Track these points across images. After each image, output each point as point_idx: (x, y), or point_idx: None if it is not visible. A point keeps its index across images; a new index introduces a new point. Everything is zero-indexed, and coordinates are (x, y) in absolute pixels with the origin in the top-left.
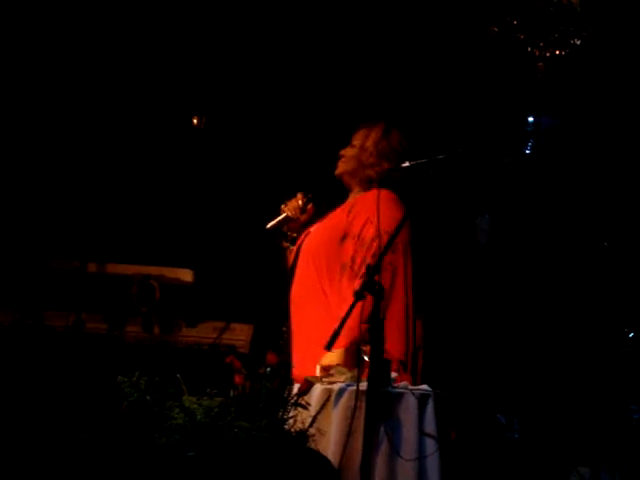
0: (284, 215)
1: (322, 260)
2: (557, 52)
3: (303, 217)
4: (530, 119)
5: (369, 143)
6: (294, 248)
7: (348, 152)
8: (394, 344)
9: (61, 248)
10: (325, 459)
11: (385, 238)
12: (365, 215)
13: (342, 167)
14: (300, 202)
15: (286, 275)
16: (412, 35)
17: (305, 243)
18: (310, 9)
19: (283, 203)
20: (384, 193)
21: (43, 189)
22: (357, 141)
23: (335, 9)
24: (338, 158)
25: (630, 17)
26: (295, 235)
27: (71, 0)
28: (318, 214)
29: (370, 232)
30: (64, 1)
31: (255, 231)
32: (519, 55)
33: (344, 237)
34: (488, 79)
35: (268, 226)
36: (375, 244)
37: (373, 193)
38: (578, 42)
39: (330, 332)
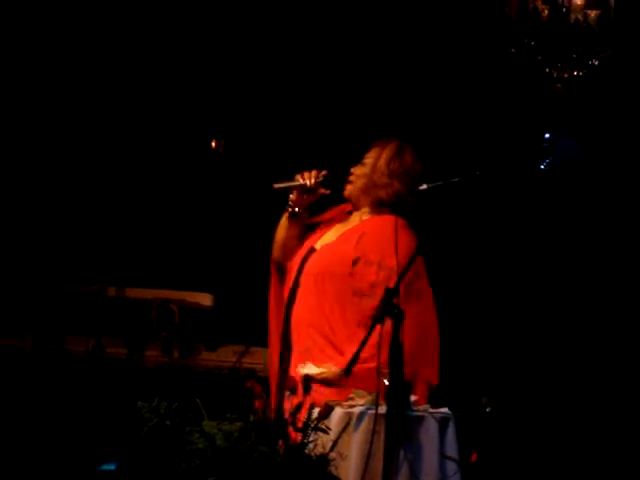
0: (298, 182)
1: (327, 283)
2: (575, 73)
3: (309, 198)
4: (547, 135)
5: (381, 162)
6: (295, 261)
7: (358, 170)
8: (434, 369)
9: (81, 273)
10: None
11: (403, 264)
12: (386, 244)
13: (352, 186)
14: (317, 176)
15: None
16: (430, 55)
17: (310, 263)
18: (332, 24)
19: (299, 172)
20: (400, 221)
21: (63, 214)
22: (369, 159)
23: (352, 28)
24: (347, 176)
25: None
26: (298, 210)
27: (89, 11)
28: (320, 208)
29: (393, 263)
30: (82, 12)
31: None
32: (537, 76)
33: (356, 262)
34: (505, 99)
35: (276, 186)
36: (414, 283)
37: (389, 220)
38: (596, 63)
39: (323, 357)
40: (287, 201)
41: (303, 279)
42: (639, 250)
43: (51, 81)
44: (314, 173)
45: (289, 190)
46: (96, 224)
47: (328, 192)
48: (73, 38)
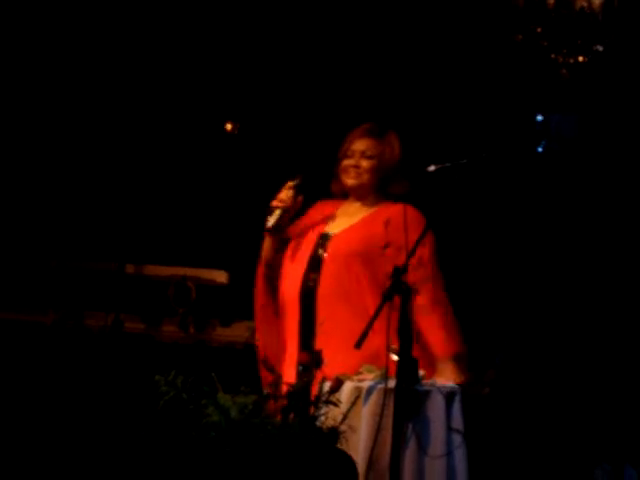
0: (281, 209)
1: (359, 264)
2: (580, 59)
3: (293, 211)
4: (539, 118)
5: (395, 156)
6: (305, 250)
7: (365, 164)
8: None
9: (100, 250)
10: (350, 459)
11: (436, 256)
12: (410, 233)
13: (358, 179)
14: (291, 191)
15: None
16: (436, 42)
17: (335, 247)
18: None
19: (274, 198)
20: (414, 210)
21: (82, 192)
22: (371, 151)
23: (352, 10)
24: (334, 168)
25: None
26: (282, 229)
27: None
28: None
29: (425, 253)
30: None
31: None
32: (543, 62)
33: (386, 246)
34: (511, 85)
35: (269, 225)
36: (432, 263)
37: (410, 210)
38: (600, 48)
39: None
40: (265, 226)
41: (330, 258)
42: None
43: (65, 64)
44: (288, 191)
45: (282, 220)
46: (115, 203)
47: (302, 198)
48: (84, 23)
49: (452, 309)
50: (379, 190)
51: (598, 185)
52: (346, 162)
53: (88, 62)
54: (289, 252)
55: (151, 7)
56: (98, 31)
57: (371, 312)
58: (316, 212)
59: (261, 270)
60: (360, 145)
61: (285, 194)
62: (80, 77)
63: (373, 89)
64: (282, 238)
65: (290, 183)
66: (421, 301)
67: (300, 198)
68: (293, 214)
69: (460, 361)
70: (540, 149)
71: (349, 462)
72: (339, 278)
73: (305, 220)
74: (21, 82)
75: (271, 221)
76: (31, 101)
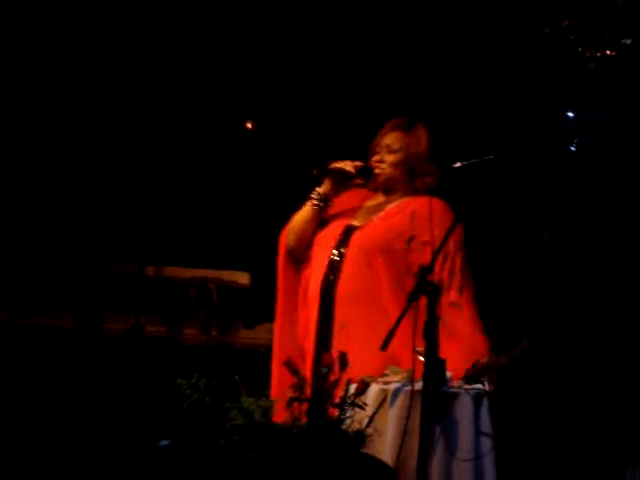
0: (340, 167)
1: (380, 262)
2: (608, 52)
3: (341, 191)
4: (570, 114)
5: (421, 148)
6: (329, 238)
7: (389, 158)
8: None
9: (120, 252)
10: (380, 462)
11: (463, 249)
12: (436, 226)
13: (384, 173)
14: (351, 165)
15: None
16: (464, 35)
17: (357, 241)
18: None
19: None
20: (442, 203)
21: (104, 195)
22: (397, 144)
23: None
24: (364, 163)
25: None
26: (328, 202)
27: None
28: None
29: (451, 246)
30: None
31: None
32: (570, 56)
33: (410, 240)
34: (539, 79)
35: (317, 170)
36: (458, 258)
37: (434, 203)
38: (628, 42)
39: (367, 329)
40: (314, 193)
41: (350, 254)
42: None
43: (83, 59)
44: (349, 162)
45: (329, 176)
46: (136, 204)
47: (363, 182)
48: (96, 18)
49: (477, 307)
50: (407, 183)
51: (629, 181)
52: (374, 158)
53: (102, 65)
54: (317, 240)
55: (165, 5)
56: (109, 30)
57: (391, 311)
58: (345, 201)
59: (282, 245)
60: (387, 139)
61: (345, 163)
62: (101, 81)
63: (402, 84)
64: (322, 215)
65: (358, 162)
66: (449, 297)
67: (359, 181)
68: (340, 189)
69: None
70: (573, 147)
71: (384, 468)
72: (360, 275)
73: (335, 208)
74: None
75: (320, 167)
76: (52, 101)
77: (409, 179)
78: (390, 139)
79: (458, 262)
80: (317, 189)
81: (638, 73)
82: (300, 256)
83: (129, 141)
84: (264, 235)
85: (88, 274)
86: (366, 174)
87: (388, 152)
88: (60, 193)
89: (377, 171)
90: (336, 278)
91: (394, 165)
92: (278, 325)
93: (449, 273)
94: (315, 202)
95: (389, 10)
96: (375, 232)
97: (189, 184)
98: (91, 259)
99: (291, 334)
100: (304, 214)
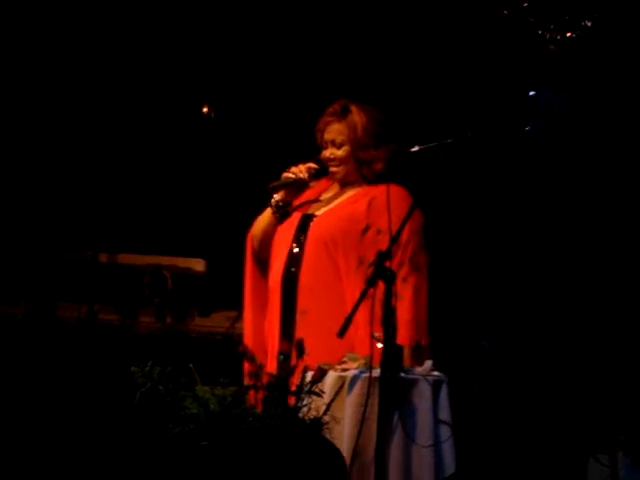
0: (294, 177)
1: (339, 249)
2: (568, 34)
3: (301, 191)
4: (531, 93)
5: (359, 134)
6: (288, 229)
7: (338, 153)
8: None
9: (73, 239)
10: (335, 448)
11: (416, 237)
12: (394, 214)
13: (340, 172)
14: (305, 169)
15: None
16: (421, 17)
17: (316, 228)
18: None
19: (287, 169)
20: (401, 190)
21: (54, 181)
22: (339, 137)
23: None
24: (320, 164)
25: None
26: (286, 208)
27: None
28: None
29: (405, 234)
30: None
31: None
32: (530, 38)
33: (365, 230)
34: (498, 61)
35: (273, 184)
36: (410, 246)
37: (395, 188)
38: (589, 24)
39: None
40: (272, 199)
41: (311, 242)
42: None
43: (43, 63)
44: (303, 167)
45: (286, 187)
46: (88, 190)
47: (318, 180)
48: (64, 16)
49: (425, 298)
50: (371, 176)
51: (587, 163)
52: (324, 153)
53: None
54: (278, 234)
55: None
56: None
57: (349, 299)
58: (308, 192)
59: (249, 248)
60: (329, 134)
61: (298, 168)
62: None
63: (357, 67)
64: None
65: (310, 164)
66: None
67: (312, 183)
68: (298, 193)
69: (417, 351)
70: (528, 128)
71: (336, 453)
72: (320, 263)
73: (298, 200)
74: None
75: (276, 182)
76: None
77: (361, 169)
78: (331, 133)
79: (409, 251)
80: (275, 196)
81: (598, 55)
82: (266, 257)
83: (83, 128)
84: (219, 221)
85: (41, 261)
86: (321, 174)
87: (335, 147)
88: (12, 181)
89: (332, 169)
90: (297, 268)
91: (345, 159)
92: (248, 319)
93: (398, 263)
94: (274, 209)
95: None
96: (333, 220)
97: (143, 170)
98: (44, 246)
99: (261, 328)
100: (265, 219)
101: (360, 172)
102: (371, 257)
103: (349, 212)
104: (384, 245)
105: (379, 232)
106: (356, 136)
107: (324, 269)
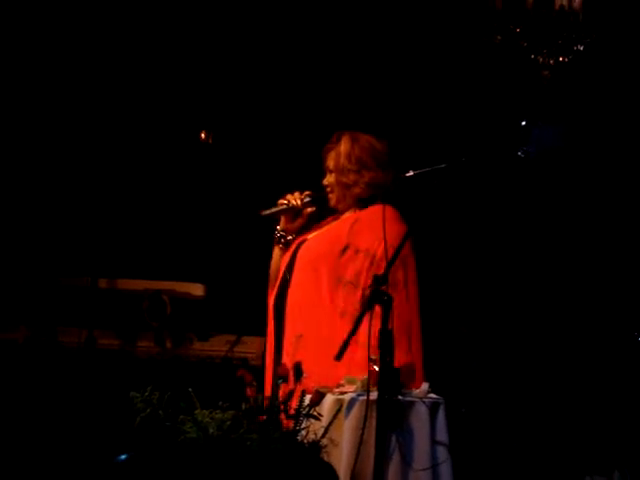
0: (284, 205)
1: (322, 270)
2: (561, 59)
3: (298, 221)
4: (523, 123)
5: (341, 160)
6: (285, 257)
7: (330, 179)
8: (408, 356)
9: (72, 265)
10: (333, 471)
11: (391, 252)
12: (373, 232)
13: (332, 195)
14: (300, 196)
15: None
16: (415, 44)
17: (303, 252)
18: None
19: (282, 197)
20: (389, 210)
21: (53, 207)
22: (330, 163)
23: (337, 15)
24: (323, 190)
25: (631, 22)
26: (289, 238)
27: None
28: (310, 224)
29: (380, 250)
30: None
31: (265, 244)
32: (523, 63)
33: (345, 249)
34: (492, 87)
35: (264, 213)
36: (384, 262)
37: (377, 209)
38: (581, 48)
39: (337, 341)
40: (275, 232)
41: (298, 266)
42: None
43: (42, 73)
44: (297, 194)
45: (277, 215)
46: (87, 216)
47: (314, 209)
48: (62, 30)
49: (418, 329)
50: (357, 199)
51: (579, 188)
52: (322, 181)
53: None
54: (281, 263)
55: (131, 8)
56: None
57: (328, 321)
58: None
59: (270, 290)
60: (327, 160)
61: (292, 196)
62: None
63: (353, 94)
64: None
65: (307, 192)
66: None
67: (309, 210)
68: (301, 223)
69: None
70: (520, 153)
71: (334, 476)
72: (306, 286)
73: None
74: None
75: (268, 210)
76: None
77: (348, 194)
78: (329, 159)
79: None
80: (277, 227)
81: (591, 79)
82: None
83: (81, 153)
84: (218, 247)
85: (41, 287)
86: (318, 201)
87: (329, 173)
88: (11, 206)
89: (328, 196)
90: (285, 289)
91: (334, 185)
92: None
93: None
94: (277, 240)
95: (343, 20)
96: (315, 244)
97: (142, 196)
98: (44, 272)
99: None
100: (274, 256)
101: (351, 197)
102: (347, 276)
103: (333, 234)
104: (360, 264)
105: (357, 252)
106: (338, 162)
107: (312, 291)
